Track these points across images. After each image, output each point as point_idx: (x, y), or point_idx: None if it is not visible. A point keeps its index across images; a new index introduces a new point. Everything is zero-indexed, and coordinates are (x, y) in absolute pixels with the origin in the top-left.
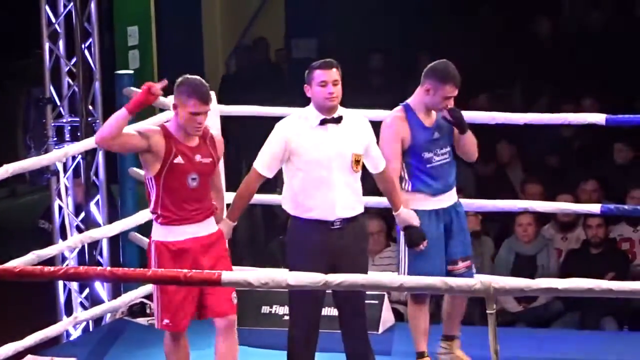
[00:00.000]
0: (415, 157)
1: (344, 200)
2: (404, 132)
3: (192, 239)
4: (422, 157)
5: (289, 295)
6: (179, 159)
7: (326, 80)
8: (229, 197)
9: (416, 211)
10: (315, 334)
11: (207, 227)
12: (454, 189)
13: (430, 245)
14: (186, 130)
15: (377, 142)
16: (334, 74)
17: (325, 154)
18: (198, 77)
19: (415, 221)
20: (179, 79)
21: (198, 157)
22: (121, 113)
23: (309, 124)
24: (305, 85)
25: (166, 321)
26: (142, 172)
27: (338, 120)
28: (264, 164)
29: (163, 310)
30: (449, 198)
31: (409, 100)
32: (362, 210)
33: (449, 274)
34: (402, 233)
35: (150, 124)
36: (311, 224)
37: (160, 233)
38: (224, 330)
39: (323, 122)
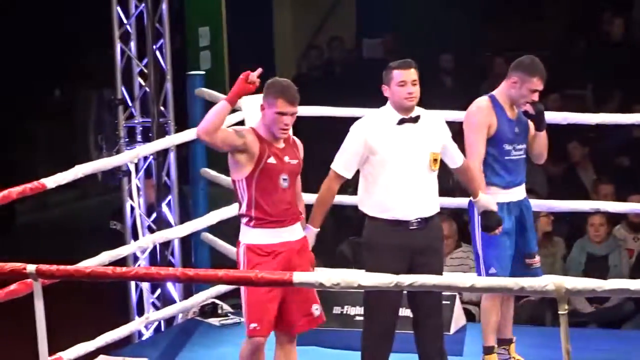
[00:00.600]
0: (496, 147)
1: (422, 200)
2: (491, 120)
3: (285, 242)
4: (503, 148)
5: (365, 296)
6: (272, 159)
7: (405, 80)
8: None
9: None
10: (391, 335)
11: (297, 232)
12: (524, 186)
13: (505, 236)
14: (273, 132)
15: (463, 132)
16: (413, 74)
17: (404, 154)
18: (286, 79)
19: (494, 207)
20: (268, 81)
21: (287, 158)
22: (221, 105)
23: (387, 123)
24: (383, 85)
25: (253, 325)
26: (213, 172)
27: (416, 119)
28: (344, 165)
29: (251, 315)
30: (519, 192)
31: (494, 92)
32: (438, 209)
33: (528, 267)
34: (477, 229)
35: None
36: (390, 224)
37: (252, 236)
38: (287, 343)
39: (401, 122)
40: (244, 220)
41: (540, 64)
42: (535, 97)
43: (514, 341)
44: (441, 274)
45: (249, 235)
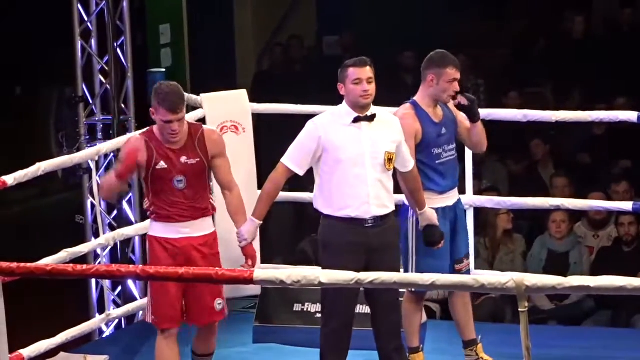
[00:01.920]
0: (425, 153)
1: (377, 198)
2: (416, 128)
3: (185, 238)
4: (432, 153)
5: (322, 293)
6: (161, 165)
7: (360, 78)
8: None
9: None
10: (349, 331)
11: (200, 228)
12: (456, 189)
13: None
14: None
15: None
16: (368, 71)
17: (359, 152)
18: (172, 84)
19: (437, 221)
20: (154, 86)
21: (184, 159)
22: (113, 181)
23: (343, 121)
24: (339, 83)
25: (152, 317)
26: None
27: (371, 118)
28: (293, 159)
29: (154, 307)
30: (454, 196)
31: (414, 98)
32: (393, 208)
33: (455, 272)
34: (410, 230)
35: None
36: (345, 223)
37: (156, 229)
38: (203, 330)
39: (356, 120)
40: (148, 213)
41: (450, 54)
42: (456, 86)
43: (480, 341)
44: (398, 271)
45: (153, 227)
